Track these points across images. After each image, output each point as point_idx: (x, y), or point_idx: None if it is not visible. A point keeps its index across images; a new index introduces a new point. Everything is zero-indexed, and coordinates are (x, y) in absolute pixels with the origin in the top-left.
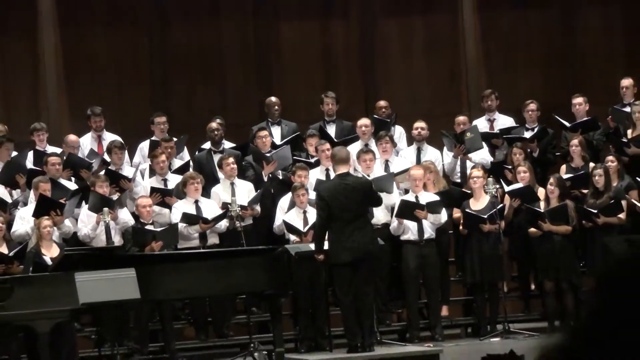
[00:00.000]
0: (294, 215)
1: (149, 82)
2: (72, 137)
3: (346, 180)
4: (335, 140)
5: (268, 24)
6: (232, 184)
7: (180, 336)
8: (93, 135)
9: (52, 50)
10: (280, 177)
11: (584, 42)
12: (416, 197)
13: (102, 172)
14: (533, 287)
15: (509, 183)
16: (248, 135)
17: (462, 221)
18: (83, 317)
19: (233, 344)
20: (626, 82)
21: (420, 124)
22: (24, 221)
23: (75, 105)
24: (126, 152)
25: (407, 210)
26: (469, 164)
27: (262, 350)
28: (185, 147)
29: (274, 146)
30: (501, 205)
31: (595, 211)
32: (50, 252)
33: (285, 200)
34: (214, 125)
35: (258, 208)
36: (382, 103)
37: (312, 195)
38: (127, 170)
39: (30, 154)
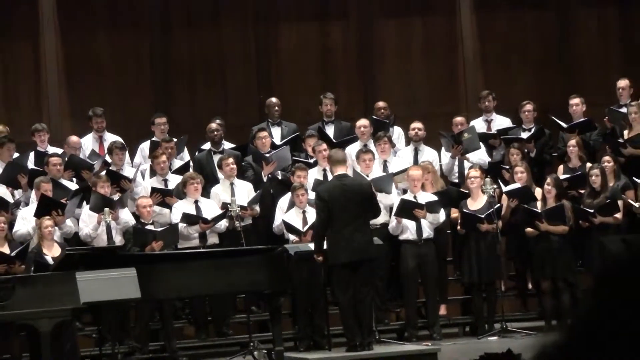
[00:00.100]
0: (293, 215)
1: (150, 84)
2: (73, 138)
3: (344, 182)
4: (334, 141)
5: (267, 26)
6: (232, 184)
7: (181, 335)
8: (94, 136)
9: (54, 51)
10: (280, 178)
11: (581, 43)
12: (414, 197)
13: (103, 173)
14: (530, 286)
15: (506, 183)
16: (248, 136)
17: (459, 221)
18: (84, 317)
19: (233, 342)
20: (622, 83)
21: (417, 125)
22: (25, 221)
23: (76, 106)
24: (127, 152)
25: (407, 209)
26: (466, 164)
27: (262, 349)
28: (186, 148)
29: (273, 146)
30: (498, 205)
31: (592, 211)
32: (52, 252)
33: (284, 201)
34: (213, 125)
35: (257, 208)
36: (381, 104)
37: (312, 195)
38: (127, 171)
39: (32, 155)
